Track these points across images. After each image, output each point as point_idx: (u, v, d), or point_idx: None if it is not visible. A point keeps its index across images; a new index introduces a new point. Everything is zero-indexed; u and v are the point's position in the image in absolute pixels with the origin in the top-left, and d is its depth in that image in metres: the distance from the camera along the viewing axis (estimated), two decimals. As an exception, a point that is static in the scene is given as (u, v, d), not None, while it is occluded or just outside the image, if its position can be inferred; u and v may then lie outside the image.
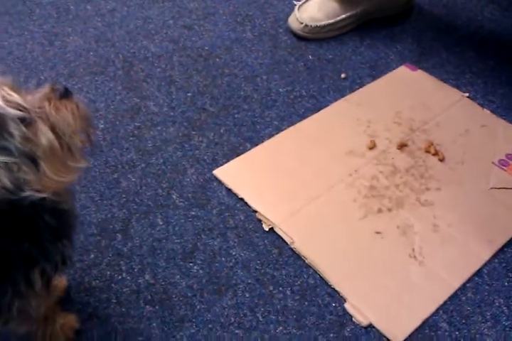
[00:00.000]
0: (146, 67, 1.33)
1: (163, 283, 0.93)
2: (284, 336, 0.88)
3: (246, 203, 1.05)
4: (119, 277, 0.94)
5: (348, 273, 0.95)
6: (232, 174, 1.10)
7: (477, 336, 0.88)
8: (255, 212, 1.03)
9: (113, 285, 0.93)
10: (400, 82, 1.30)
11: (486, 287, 0.94)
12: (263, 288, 0.93)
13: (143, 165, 1.12)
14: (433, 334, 0.88)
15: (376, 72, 1.32)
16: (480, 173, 1.10)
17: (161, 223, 1.02)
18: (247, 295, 0.92)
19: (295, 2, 1.42)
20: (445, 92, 1.27)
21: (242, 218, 1.03)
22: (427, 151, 1.14)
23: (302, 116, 1.21)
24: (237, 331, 0.88)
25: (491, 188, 1.07)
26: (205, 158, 1.13)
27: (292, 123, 1.20)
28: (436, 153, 1.13)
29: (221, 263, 0.96)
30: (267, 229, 1.00)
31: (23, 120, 0.56)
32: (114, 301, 0.91)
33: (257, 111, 1.23)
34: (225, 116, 1.22)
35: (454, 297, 0.92)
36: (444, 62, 1.35)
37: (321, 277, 0.94)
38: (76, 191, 1.04)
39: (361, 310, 0.89)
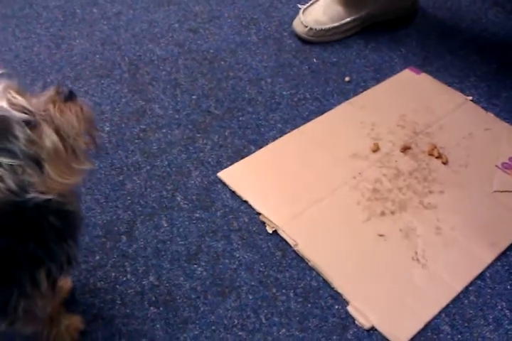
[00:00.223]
0: (151, 70, 1.34)
1: (167, 284, 0.94)
2: (287, 338, 0.88)
3: (250, 205, 1.05)
4: (124, 278, 0.95)
5: (351, 275, 0.95)
6: (236, 176, 1.10)
7: (479, 339, 0.88)
8: (259, 214, 1.04)
9: (118, 286, 0.94)
10: (404, 85, 1.30)
11: (489, 290, 0.94)
12: (266, 290, 0.94)
13: (148, 167, 1.12)
14: (435, 337, 0.88)
15: (380, 75, 1.33)
16: (483, 176, 1.10)
17: (165, 225, 1.03)
18: (251, 297, 0.93)
19: (300, 6, 1.43)
20: (449, 95, 1.27)
21: (246, 220, 1.03)
22: (431, 154, 1.14)
23: (306, 119, 1.22)
24: (240, 333, 0.88)
25: (494, 191, 1.08)
26: (210, 160, 1.14)
27: (296, 126, 1.20)
28: (439, 156, 1.13)
29: (225, 265, 0.97)
30: (270, 232, 1.01)
31: (27, 123, 0.57)
32: (119, 302, 0.92)
33: (261, 113, 1.24)
34: (229, 118, 1.23)
35: (456, 300, 0.92)
36: (448, 66, 1.35)
37: (324, 279, 0.95)
38: (81, 193, 1.05)
39: (364, 312, 0.90)
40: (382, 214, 1.04)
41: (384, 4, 1.41)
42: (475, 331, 0.89)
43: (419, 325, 0.89)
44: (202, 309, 0.91)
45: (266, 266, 0.97)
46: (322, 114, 1.23)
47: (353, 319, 0.90)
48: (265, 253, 0.99)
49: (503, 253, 0.99)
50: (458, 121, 1.21)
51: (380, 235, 1.01)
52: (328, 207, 1.05)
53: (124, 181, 1.10)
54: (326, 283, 0.94)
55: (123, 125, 1.21)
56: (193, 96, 1.28)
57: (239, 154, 1.15)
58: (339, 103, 1.26)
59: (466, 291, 0.93)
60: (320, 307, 0.92)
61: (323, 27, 1.38)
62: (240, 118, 1.23)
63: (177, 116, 1.23)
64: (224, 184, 1.09)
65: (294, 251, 0.99)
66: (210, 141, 1.18)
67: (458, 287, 0.94)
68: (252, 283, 0.95)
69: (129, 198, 1.07)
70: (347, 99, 1.27)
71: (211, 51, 1.39)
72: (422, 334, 0.88)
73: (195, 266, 0.97)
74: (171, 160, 1.14)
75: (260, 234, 1.01)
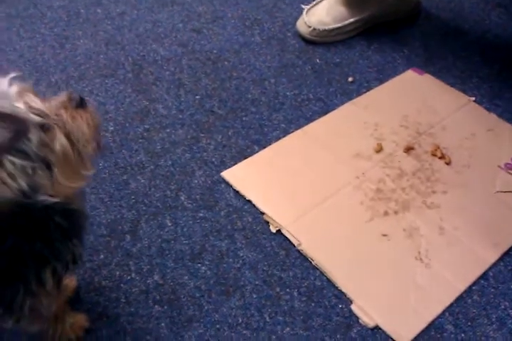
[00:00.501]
0: (155, 70, 1.34)
1: (171, 283, 0.95)
2: (291, 337, 0.88)
3: (253, 205, 1.06)
4: (128, 277, 0.95)
5: (354, 275, 0.96)
6: (239, 176, 1.11)
7: (483, 338, 0.88)
8: (263, 213, 1.04)
9: (122, 285, 0.94)
10: (406, 85, 1.31)
11: (492, 290, 0.94)
12: (270, 290, 0.94)
13: (152, 166, 1.13)
14: (439, 336, 0.88)
15: (383, 75, 1.33)
16: (486, 177, 1.11)
17: (169, 224, 1.03)
18: (255, 296, 0.93)
19: (303, 6, 1.44)
20: (452, 96, 1.28)
21: (250, 220, 1.04)
22: (434, 155, 1.14)
23: (309, 119, 1.22)
24: (244, 331, 0.89)
25: (497, 192, 1.08)
26: (213, 160, 1.14)
27: (299, 126, 1.21)
28: (442, 157, 1.14)
29: (229, 265, 0.97)
30: (274, 231, 1.01)
31: (42, 126, 0.58)
32: (124, 301, 0.92)
33: (264, 114, 1.24)
34: (233, 118, 1.23)
35: (459, 299, 0.93)
36: (450, 67, 1.36)
37: (327, 279, 0.95)
38: (86, 192, 1.05)
39: (368, 311, 0.90)
40: (386, 214, 1.04)
41: (387, 5, 1.42)
42: (478, 330, 0.89)
43: (422, 324, 0.89)
44: (206, 308, 0.92)
45: (270, 265, 0.97)
46: (325, 114, 1.24)
47: (357, 318, 0.90)
48: (269, 253, 0.99)
49: (506, 253, 0.99)
50: (461, 122, 1.22)
51: (384, 235, 1.01)
52: (331, 206, 1.05)
53: (128, 180, 1.10)
54: (329, 282, 0.95)
55: (127, 124, 1.21)
56: (197, 96, 1.28)
57: (242, 154, 1.15)
58: (342, 103, 1.26)
59: (469, 291, 0.94)
60: (324, 306, 0.92)
61: (327, 27, 1.39)
62: (244, 119, 1.23)
63: (181, 116, 1.23)
64: (227, 183, 1.10)
65: (298, 251, 0.99)
66: (214, 140, 1.18)
67: (461, 286, 0.94)
68: (256, 282, 0.95)
69: (133, 197, 1.07)
70: (350, 99, 1.27)
71: (215, 51, 1.40)
72: (426, 333, 0.88)
73: (199, 265, 0.97)
74: (175, 160, 1.14)
75: (264, 233, 1.02)
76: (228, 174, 1.11)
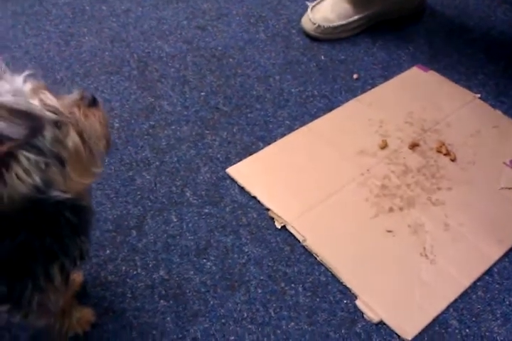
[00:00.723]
0: (160, 67, 1.35)
1: (177, 278, 0.95)
2: (295, 332, 0.89)
3: (258, 201, 1.06)
4: (134, 272, 0.96)
5: (359, 270, 0.96)
6: (244, 172, 1.11)
7: (487, 334, 0.89)
8: (268, 210, 1.05)
9: (128, 280, 0.95)
10: (411, 82, 1.31)
11: (497, 286, 0.95)
12: (275, 285, 0.94)
13: (157, 163, 1.13)
14: (443, 331, 0.89)
15: (388, 72, 1.34)
16: (491, 173, 1.11)
17: (175, 220, 1.03)
18: (260, 291, 0.94)
19: (308, 3, 1.44)
20: (457, 93, 1.28)
21: (255, 216, 1.04)
22: (439, 151, 1.15)
23: (314, 116, 1.23)
24: (249, 326, 0.89)
25: (502, 188, 1.08)
26: (218, 156, 1.15)
27: (304, 123, 1.21)
28: (447, 153, 1.14)
29: (234, 260, 0.98)
30: (279, 227, 1.02)
31: (56, 123, 0.59)
32: (130, 296, 0.93)
33: (269, 110, 1.24)
34: (237, 115, 1.23)
35: (464, 295, 0.93)
36: (455, 63, 1.36)
37: (332, 274, 0.95)
38: (92, 188, 1.05)
39: (372, 306, 0.91)
40: (391, 210, 1.05)
41: (392, 3, 1.42)
42: (483, 326, 0.89)
43: (427, 320, 0.89)
44: (211, 302, 0.92)
45: (275, 261, 0.98)
46: (330, 111, 1.24)
47: (362, 313, 0.91)
48: (274, 248, 0.99)
49: (511, 249, 0.99)
50: (466, 119, 1.22)
51: (389, 231, 1.01)
52: (336, 203, 1.06)
53: (133, 177, 1.11)
54: (334, 278, 0.95)
55: (132, 121, 1.22)
56: (202, 93, 1.28)
57: (247, 150, 1.16)
58: (347, 100, 1.26)
59: (474, 286, 0.94)
60: (328, 301, 0.92)
61: (332, 24, 1.39)
62: (249, 115, 1.23)
63: (186, 113, 1.24)
64: (232, 180, 1.10)
65: (303, 246, 0.99)
66: (219, 137, 1.19)
67: (466, 282, 0.94)
68: (261, 278, 0.95)
69: (138, 193, 1.08)
70: (355, 96, 1.27)
71: (219, 48, 1.40)
72: (430, 329, 0.89)
73: (205, 260, 0.98)
74: (180, 156, 1.15)
75: (269, 229, 1.02)
76: (233, 170, 1.11)
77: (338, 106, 1.25)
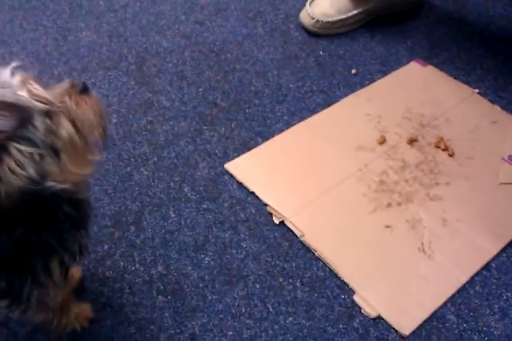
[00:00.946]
0: (158, 62, 1.34)
1: (175, 274, 0.95)
2: (293, 327, 0.89)
3: (257, 197, 1.06)
4: (132, 268, 0.96)
5: (357, 265, 0.96)
6: (243, 168, 1.11)
7: (484, 328, 0.89)
8: (266, 205, 1.05)
9: (126, 275, 0.95)
10: (410, 77, 1.31)
11: (494, 281, 0.95)
12: (273, 280, 0.95)
13: (155, 158, 1.13)
14: (441, 326, 0.89)
15: (387, 67, 1.33)
16: (489, 169, 1.11)
17: (173, 215, 1.03)
18: (258, 287, 0.94)
19: (306, -2, 1.43)
20: (455, 88, 1.28)
21: (253, 211, 1.04)
22: (437, 146, 1.14)
23: (313, 111, 1.22)
24: (247, 321, 0.90)
25: (500, 183, 1.08)
26: (217, 152, 1.14)
27: (303, 118, 1.21)
28: (446, 149, 1.14)
29: (232, 255, 0.98)
30: (277, 222, 1.02)
31: (46, 113, 0.58)
32: (128, 291, 0.93)
33: (267, 106, 1.24)
34: (236, 111, 1.23)
35: (462, 290, 0.93)
36: (454, 58, 1.36)
37: (330, 269, 0.96)
38: (90, 183, 1.05)
39: (370, 301, 0.91)
40: (389, 205, 1.05)
41: (390, -3, 1.41)
42: (480, 320, 0.90)
43: (425, 315, 0.90)
44: (210, 298, 0.92)
45: (273, 256, 0.98)
46: (329, 106, 1.24)
47: (359, 308, 0.91)
48: (272, 244, 1.00)
49: (509, 245, 0.99)
50: (464, 114, 1.22)
51: (387, 226, 1.01)
52: (334, 198, 1.06)
53: (131, 172, 1.11)
54: (332, 273, 0.95)
55: (130, 117, 1.21)
56: (200, 89, 1.28)
57: (245, 146, 1.16)
58: (346, 95, 1.26)
59: (471, 281, 0.94)
60: (326, 296, 0.93)
61: (330, 19, 1.38)
62: (247, 111, 1.23)
63: (184, 108, 1.23)
64: (231, 175, 1.10)
65: (301, 242, 0.99)
66: (217, 133, 1.18)
67: (463, 277, 0.94)
68: (259, 273, 0.95)
69: (137, 189, 1.08)
70: (353, 91, 1.27)
71: (218, 43, 1.39)
72: (428, 324, 0.89)
73: (203, 255, 0.98)
74: (178, 152, 1.14)
75: (267, 224, 1.02)
76: (231, 166, 1.11)
77: (337, 101, 1.25)
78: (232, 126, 1.20)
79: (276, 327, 0.89)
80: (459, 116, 1.21)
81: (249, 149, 1.15)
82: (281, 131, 1.18)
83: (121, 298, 0.92)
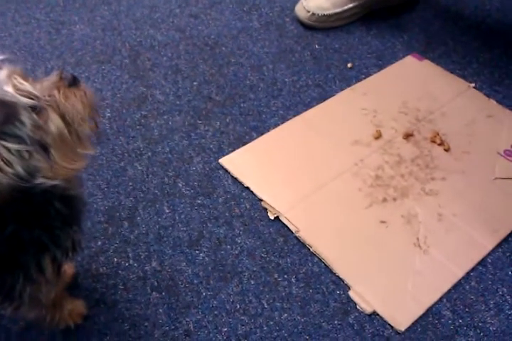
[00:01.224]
0: (152, 55, 1.33)
1: (169, 270, 0.94)
2: (288, 323, 0.89)
3: (251, 192, 1.05)
4: (126, 264, 0.95)
5: (352, 261, 0.95)
6: (237, 163, 1.10)
7: (480, 324, 0.89)
8: (261, 200, 1.04)
9: (120, 271, 0.94)
10: (406, 71, 1.30)
11: (490, 276, 0.94)
12: (268, 276, 0.94)
13: (149, 153, 1.12)
14: (436, 321, 0.89)
15: (382, 61, 1.32)
16: (485, 163, 1.10)
17: (167, 211, 1.03)
18: (253, 283, 0.93)
19: (302, -9, 1.42)
20: (451, 82, 1.27)
21: (248, 207, 1.04)
22: (433, 141, 1.14)
23: (308, 106, 1.22)
24: (242, 317, 0.89)
25: (496, 178, 1.08)
26: (211, 146, 1.14)
27: (298, 113, 1.20)
28: (441, 143, 1.13)
29: (227, 251, 0.97)
30: (272, 218, 1.01)
31: (33, 108, 0.57)
32: (121, 287, 0.92)
33: (262, 100, 1.23)
34: (230, 105, 1.22)
35: (457, 286, 0.93)
36: (450, 52, 1.35)
37: (325, 265, 0.95)
38: (83, 179, 1.04)
39: (365, 297, 0.90)
40: (384, 200, 1.04)
41: (387, -10, 1.40)
42: (476, 316, 0.89)
43: (420, 310, 0.89)
44: (204, 294, 0.92)
45: (268, 252, 0.97)
46: (324, 100, 1.23)
47: (355, 304, 0.90)
48: (267, 239, 0.99)
49: (505, 240, 0.99)
50: (460, 108, 1.21)
51: (382, 221, 1.01)
52: (329, 193, 1.05)
53: (125, 167, 1.10)
54: (327, 269, 0.95)
55: (124, 111, 1.20)
56: (194, 83, 1.27)
57: (240, 140, 1.15)
58: (341, 89, 1.25)
59: (467, 277, 0.94)
60: (321, 292, 0.92)
61: (326, 12, 1.37)
62: (242, 105, 1.22)
63: (178, 103, 1.22)
64: (225, 170, 1.09)
65: (296, 237, 0.99)
66: (212, 127, 1.18)
67: (459, 273, 0.94)
68: (254, 269, 0.95)
69: (130, 184, 1.07)
70: (349, 85, 1.26)
71: (212, 37, 1.38)
72: (424, 319, 0.89)
73: (197, 251, 0.97)
74: (173, 147, 1.14)
75: (262, 220, 1.02)
76: (226, 161, 1.11)
77: (332, 95, 1.24)
78: (227, 120, 1.19)
79: (271, 323, 0.88)
80: (454, 110, 1.21)
81: (244, 144, 1.14)
82: (276, 125, 1.17)
83: (115, 295, 0.91)
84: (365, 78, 1.28)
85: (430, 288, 0.92)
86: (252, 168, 1.10)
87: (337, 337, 0.87)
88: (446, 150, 1.12)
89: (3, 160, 0.53)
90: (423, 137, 1.15)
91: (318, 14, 1.37)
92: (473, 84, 1.26)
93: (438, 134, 1.14)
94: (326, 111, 1.20)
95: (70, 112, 0.63)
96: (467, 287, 0.93)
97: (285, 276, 0.94)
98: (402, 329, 0.87)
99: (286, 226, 1.00)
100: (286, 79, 1.28)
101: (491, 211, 1.03)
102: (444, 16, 1.45)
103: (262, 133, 1.16)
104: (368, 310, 0.89)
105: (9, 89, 0.57)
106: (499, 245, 0.98)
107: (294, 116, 1.19)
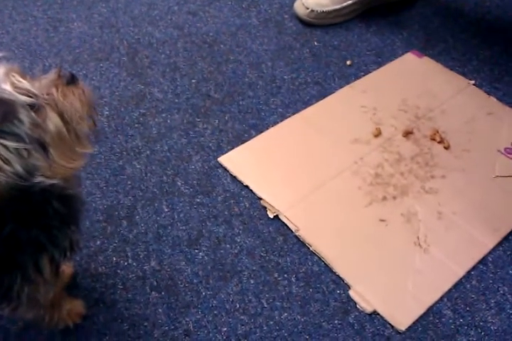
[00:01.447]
0: (150, 53, 1.32)
1: (168, 269, 0.94)
2: (288, 322, 0.88)
3: (251, 190, 1.05)
4: (125, 263, 0.95)
5: (352, 260, 0.95)
6: (236, 161, 1.10)
7: (481, 323, 0.88)
8: (260, 199, 1.03)
9: (119, 271, 0.94)
10: (405, 69, 1.29)
11: (491, 275, 0.94)
12: (268, 275, 0.94)
13: (148, 152, 1.12)
14: (437, 321, 0.88)
15: (382, 58, 1.32)
16: (485, 161, 1.10)
17: (166, 210, 1.02)
18: (252, 282, 0.93)
19: (301, -13, 1.41)
20: (451, 79, 1.26)
21: (247, 205, 1.03)
22: (433, 139, 1.13)
23: (307, 103, 1.21)
24: (242, 317, 0.89)
25: (496, 176, 1.07)
26: (210, 145, 1.13)
27: (297, 111, 1.19)
28: (441, 141, 1.13)
29: (226, 250, 0.97)
30: (271, 217, 1.01)
31: (32, 106, 0.56)
32: (121, 287, 0.92)
33: (261, 98, 1.22)
34: (229, 103, 1.21)
35: (458, 284, 0.93)
36: (450, 49, 1.34)
37: (325, 264, 0.95)
38: (82, 178, 1.04)
39: (365, 296, 0.90)
40: (384, 199, 1.04)
41: (386, -13, 1.39)
42: (477, 315, 0.89)
43: (421, 310, 0.89)
44: (203, 293, 0.91)
45: (267, 251, 0.97)
46: (323, 98, 1.22)
47: (355, 303, 0.90)
48: (266, 238, 0.98)
49: (506, 238, 0.99)
50: (460, 106, 1.20)
51: (382, 220, 1.00)
52: (329, 192, 1.05)
53: (124, 166, 1.09)
54: (327, 268, 0.94)
55: (122, 109, 1.20)
56: (193, 80, 1.26)
57: (239, 139, 1.14)
58: (340, 87, 1.24)
59: (468, 276, 0.94)
60: (321, 291, 0.92)
61: (325, 9, 1.36)
62: (241, 103, 1.21)
63: (177, 100, 1.22)
64: (225, 169, 1.09)
65: (296, 236, 0.98)
66: (211, 125, 1.17)
67: (460, 271, 0.94)
68: (254, 268, 0.94)
69: (129, 183, 1.06)
70: (348, 83, 1.25)
71: (211, 34, 1.37)
72: (424, 319, 0.88)
73: (197, 250, 0.97)
74: (171, 145, 1.13)
75: (261, 219, 1.01)
76: (225, 159, 1.10)
77: (332, 93, 1.23)
78: (226, 118, 1.18)
79: (271, 322, 0.88)
80: (454, 107, 1.20)
81: (243, 142, 1.13)
82: (275, 123, 1.17)
83: (114, 294, 0.91)
84: (364, 75, 1.27)
85: (431, 287, 0.92)
86: (251, 166, 1.09)
87: (337, 337, 0.87)
88: (446, 148, 1.12)
89: (1, 159, 0.53)
90: (423, 135, 1.14)
91: (317, 11, 1.36)
92: (473, 82, 1.25)
93: (438, 132, 1.14)
94: (325, 109, 1.20)
95: (69, 110, 0.62)
96: (468, 286, 0.92)
97: (285, 275, 0.94)
98: (403, 328, 0.87)
99: (286, 225, 1.00)
100: (285, 77, 1.27)
101: (491, 209, 1.03)
102: (443, 13, 1.44)
103: (261, 131, 1.15)
104: (368, 309, 0.89)
105: (7, 87, 0.56)
106: (500, 243, 0.98)
107: (293, 113, 1.19)
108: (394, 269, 0.94)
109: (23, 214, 0.60)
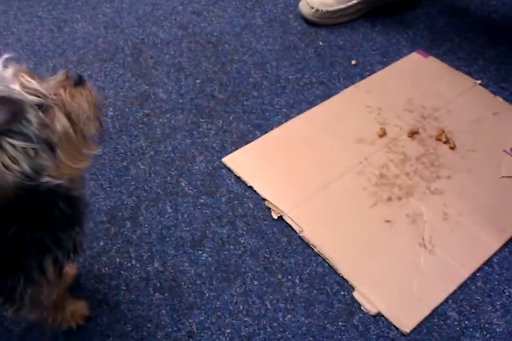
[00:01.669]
0: (155, 53, 1.32)
1: (172, 270, 0.94)
2: (292, 324, 0.88)
3: (255, 191, 1.04)
4: (129, 264, 0.94)
5: (357, 261, 0.95)
6: (241, 162, 1.09)
7: (486, 325, 0.87)
8: (264, 200, 1.03)
9: (122, 272, 0.93)
10: (411, 68, 1.28)
11: (496, 276, 0.93)
12: (272, 276, 0.93)
13: (152, 152, 1.11)
14: (442, 323, 0.88)
15: (387, 58, 1.31)
16: (491, 161, 1.09)
17: (169, 211, 1.02)
18: (256, 283, 0.92)
19: (305, -13, 1.40)
20: (457, 79, 1.25)
21: (251, 206, 1.03)
22: (438, 139, 1.13)
23: (312, 104, 1.20)
24: (245, 318, 0.88)
25: (502, 177, 1.07)
26: (214, 145, 1.13)
27: (302, 111, 1.19)
28: (447, 141, 1.12)
29: (230, 251, 0.96)
30: (275, 218, 1.00)
31: (40, 106, 0.57)
32: (124, 288, 0.91)
33: (266, 98, 1.22)
34: (234, 103, 1.21)
35: (463, 286, 0.92)
36: (456, 49, 1.33)
37: (329, 265, 0.94)
38: (86, 178, 1.04)
39: (370, 298, 0.89)
40: (389, 199, 1.03)
41: (391, -14, 1.39)
42: (482, 317, 0.88)
43: (426, 311, 0.88)
44: (207, 295, 0.91)
45: (271, 252, 0.96)
46: (328, 98, 1.21)
47: (359, 305, 0.90)
48: (270, 239, 0.98)
49: (511, 239, 0.98)
50: (466, 106, 1.20)
51: (387, 221, 1.00)
52: (334, 192, 1.04)
53: (128, 166, 1.09)
54: (331, 269, 0.94)
55: (126, 110, 1.19)
56: (197, 81, 1.26)
57: (243, 139, 1.14)
58: (345, 87, 1.24)
59: (473, 277, 0.93)
60: (326, 293, 0.91)
61: (330, 9, 1.36)
62: (245, 103, 1.21)
63: (181, 101, 1.21)
64: (229, 169, 1.08)
65: (300, 237, 0.98)
66: (215, 125, 1.17)
67: (465, 273, 0.93)
68: (258, 269, 0.94)
69: (133, 183, 1.06)
70: (353, 82, 1.25)
71: (215, 34, 1.37)
72: (429, 321, 0.88)
73: (200, 252, 0.96)
74: (175, 146, 1.13)
75: (265, 219, 1.01)
76: (229, 160, 1.10)
77: (336, 93, 1.23)
78: (230, 118, 1.18)
79: (275, 324, 0.88)
80: (460, 107, 1.19)
81: (247, 142, 1.13)
82: (279, 123, 1.16)
83: (118, 295, 0.90)
84: (369, 75, 1.27)
85: (435, 288, 0.91)
86: (255, 166, 1.09)
87: (341, 339, 0.86)
88: (452, 148, 1.11)
89: (9, 158, 0.53)
90: (428, 135, 1.14)
91: (322, 10, 1.36)
92: (479, 81, 1.24)
93: (443, 132, 1.13)
94: (330, 109, 1.19)
95: (76, 111, 0.62)
96: (473, 287, 0.92)
97: (289, 277, 0.93)
98: (407, 330, 0.86)
99: (290, 226, 0.99)
100: (290, 77, 1.27)
101: (497, 210, 1.02)
102: (449, 12, 1.43)
103: (266, 132, 1.15)
104: (373, 311, 0.88)
105: (16, 87, 0.56)
106: (505, 245, 0.97)
107: (298, 114, 1.18)
108: (398, 270, 0.93)
109: (29, 214, 0.60)
